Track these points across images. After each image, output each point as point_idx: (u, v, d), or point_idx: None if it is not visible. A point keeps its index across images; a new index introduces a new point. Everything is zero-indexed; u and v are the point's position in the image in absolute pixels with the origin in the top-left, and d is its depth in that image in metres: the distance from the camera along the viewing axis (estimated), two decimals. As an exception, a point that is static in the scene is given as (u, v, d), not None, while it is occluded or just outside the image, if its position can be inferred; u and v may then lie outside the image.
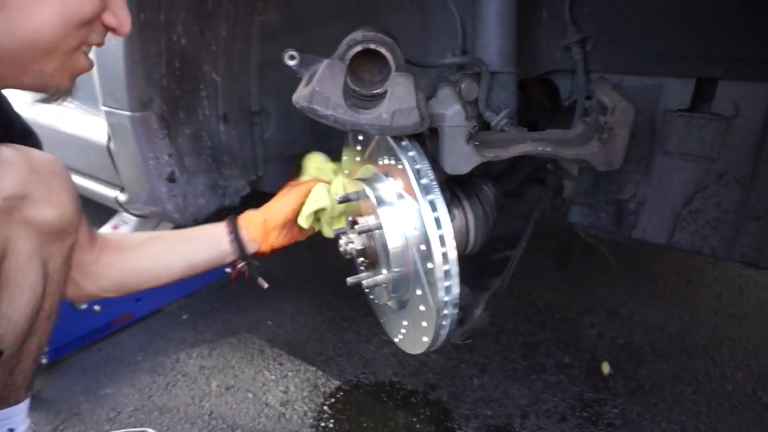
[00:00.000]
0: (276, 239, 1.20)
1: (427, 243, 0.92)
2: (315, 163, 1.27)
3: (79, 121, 1.43)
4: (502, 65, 1.07)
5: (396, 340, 1.20)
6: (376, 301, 1.19)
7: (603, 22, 1.14)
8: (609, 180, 1.28)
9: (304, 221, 1.18)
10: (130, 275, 1.16)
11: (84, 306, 1.78)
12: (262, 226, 1.19)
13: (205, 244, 1.19)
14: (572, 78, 1.25)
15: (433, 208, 0.90)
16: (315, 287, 2.12)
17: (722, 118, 1.09)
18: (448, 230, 0.92)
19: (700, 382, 1.65)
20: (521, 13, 1.13)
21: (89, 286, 1.13)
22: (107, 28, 0.84)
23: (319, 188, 1.18)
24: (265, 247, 1.21)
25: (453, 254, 0.92)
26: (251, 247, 1.20)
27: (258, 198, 1.58)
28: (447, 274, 0.93)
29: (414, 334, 1.09)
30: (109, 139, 1.30)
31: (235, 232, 1.18)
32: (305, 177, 1.26)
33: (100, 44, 0.85)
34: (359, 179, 1.08)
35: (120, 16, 0.83)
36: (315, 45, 1.38)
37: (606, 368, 1.70)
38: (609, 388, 1.63)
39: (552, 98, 1.43)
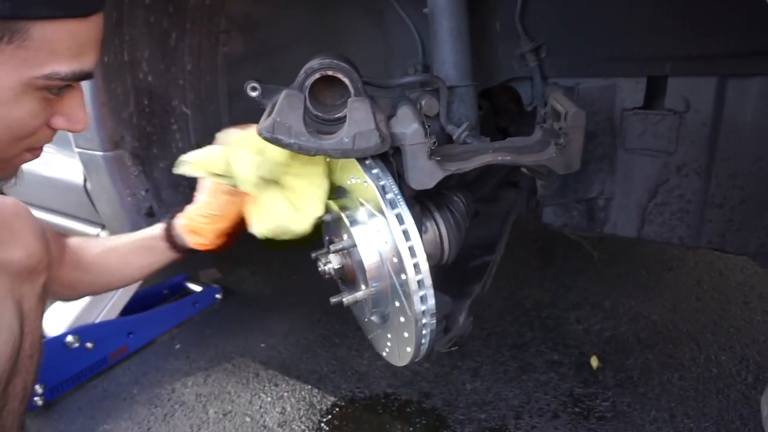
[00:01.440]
0: (212, 230, 1.15)
1: (399, 255, 0.95)
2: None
3: (55, 164, 1.45)
4: (459, 79, 1.10)
5: (383, 354, 1.22)
6: (361, 318, 1.22)
7: (553, 30, 1.19)
8: (576, 180, 1.32)
9: (249, 184, 1.01)
10: (91, 290, 1.27)
11: (76, 345, 1.79)
12: (192, 220, 1.15)
13: (152, 250, 1.19)
14: (531, 84, 1.29)
15: (401, 221, 0.93)
16: (305, 306, 2.14)
17: (675, 113, 1.14)
18: (417, 241, 0.94)
19: (686, 367, 1.68)
20: (475, 26, 1.17)
21: (60, 293, 1.18)
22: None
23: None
24: (208, 241, 1.15)
25: (424, 265, 0.95)
26: (191, 243, 1.16)
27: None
28: (420, 284, 0.96)
29: (398, 346, 1.12)
30: (85, 179, 1.32)
31: (169, 231, 1.16)
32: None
33: (48, 142, 0.79)
34: (331, 200, 1.11)
35: (74, 118, 0.76)
36: (281, 70, 1.43)
37: (595, 362, 1.73)
38: (598, 382, 1.66)
39: (518, 104, 1.47)
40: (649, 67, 1.14)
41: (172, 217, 1.18)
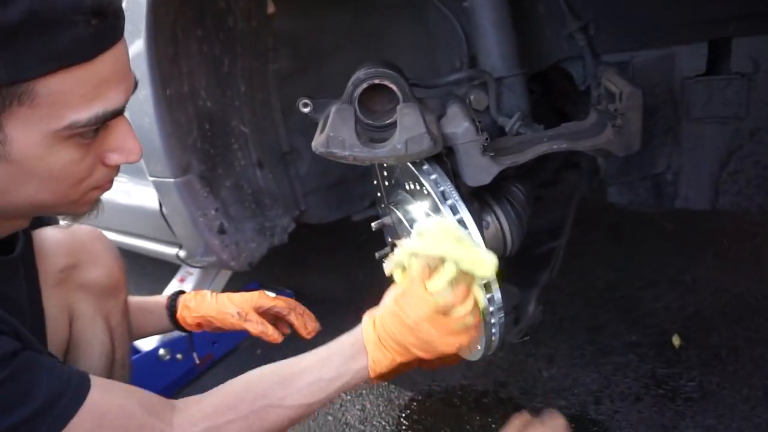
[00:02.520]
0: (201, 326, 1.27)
1: (462, 257, 0.95)
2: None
3: (134, 193, 1.56)
4: (507, 69, 1.09)
5: (455, 348, 1.24)
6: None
7: (600, 4, 1.15)
8: (640, 156, 1.27)
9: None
10: None
11: (168, 357, 1.92)
12: (192, 309, 1.25)
13: (156, 317, 1.27)
14: (583, 63, 1.25)
15: (463, 227, 0.94)
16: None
17: (743, 75, 1.08)
18: (481, 245, 0.95)
19: (779, 340, 1.59)
20: (519, 12, 1.15)
21: None
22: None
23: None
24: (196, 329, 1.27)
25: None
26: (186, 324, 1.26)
27: (306, 227, 1.66)
28: (486, 284, 0.96)
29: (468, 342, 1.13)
30: (161, 204, 1.41)
31: (171, 309, 1.26)
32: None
33: (112, 177, 0.79)
34: (391, 204, 1.13)
35: (126, 150, 0.74)
36: (330, 79, 1.46)
37: (677, 341, 1.66)
38: (682, 361, 1.59)
39: (572, 83, 1.44)
40: (710, 30, 1.09)
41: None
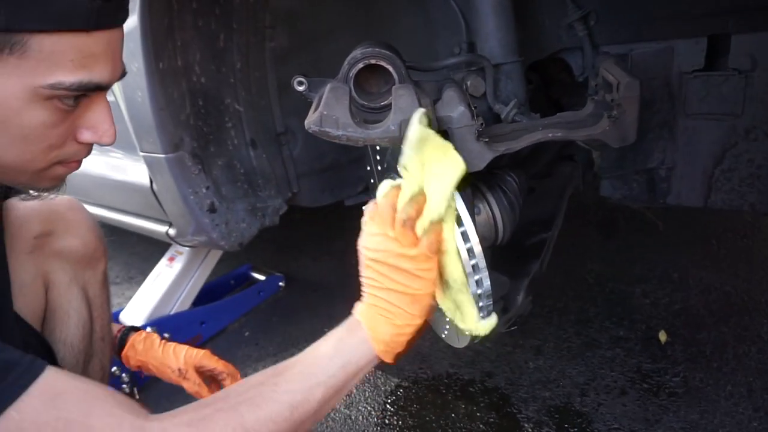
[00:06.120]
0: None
1: (452, 241, 0.95)
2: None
3: (124, 168, 1.54)
4: (505, 56, 1.08)
5: (442, 335, 1.24)
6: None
7: (602, -4, 1.14)
8: (635, 150, 1.27)
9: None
10: None
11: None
12: (137, 352, 1.27)
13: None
14: (582, 54, 1.24)
15: (455, 211, 0.93)
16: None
17: (740, 72, 1.07)
18: (470, 226, 0.94)
19: (764, 340, 1.60)
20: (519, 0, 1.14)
21: None
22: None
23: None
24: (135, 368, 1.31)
25: (478, 248, 0.95)
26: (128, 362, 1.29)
27: (298, 212, 1.65)
28: (475, 268, 0.96)
29: (456, 328, 1.13)
30: (151, 181, 1.40)
31: (120, 343, 1.28)
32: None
33: (83, 156, 0.78)
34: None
35: (100, 131, 0.75)
36: (326, 60, 1.44)
37: (663, 337, 1.67)
38: (668, 357, 1.60)
39: (570, 74, 1.43)
40: (709, 25, 1.08)
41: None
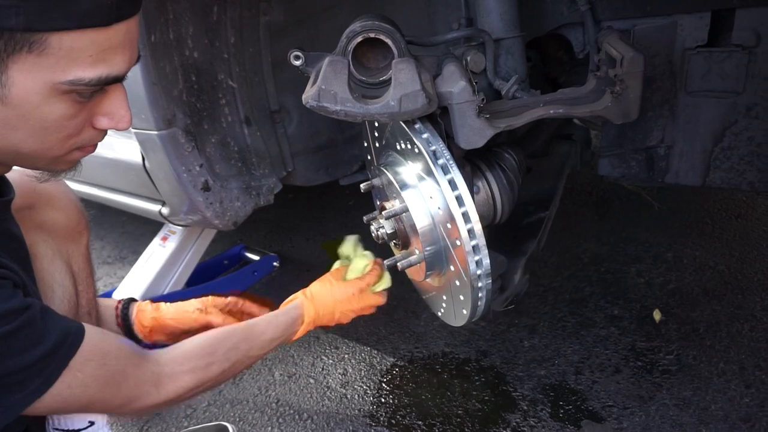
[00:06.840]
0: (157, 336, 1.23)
1: (452, 221, 0.94)
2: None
3: (116, 145, 1.51)
4: (506, 31, 1.06)
5: (439, 314, 1.24)
6: (417, 280, 1.23)
7: (605, -32, 1.11)
8: (634, 128, 1.26)
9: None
10: None
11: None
12: (153, 321, 1.20)
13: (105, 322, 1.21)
14: (583, 30, 1.22)
15: (453, 187, 0.92)
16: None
17: (744, 48, 1.06)
18: (471, 206, 0.93)
19: (757, 318, 1.61)
20: (520, -27, 1.11)
21: None
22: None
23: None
24: (149, 339, 1.22)
25: (478, 228, 0.94)
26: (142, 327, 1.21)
27: (291, 191, 1.63)
28: (475, 248, 0.95)
29: (454, 307, 1.13)
30: (143, 158, 1.37)
31: (124, 314, 1.21)
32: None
33: (98, 141, 0.81)
34: (381, 165, 1.11)
35: (116, 117, 0.76)
36: (323, 36, 1.41)
37: (658, 315, 1.68)
38: (662, 335, 1.62)
39: (569, 52, 1.41)
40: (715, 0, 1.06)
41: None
